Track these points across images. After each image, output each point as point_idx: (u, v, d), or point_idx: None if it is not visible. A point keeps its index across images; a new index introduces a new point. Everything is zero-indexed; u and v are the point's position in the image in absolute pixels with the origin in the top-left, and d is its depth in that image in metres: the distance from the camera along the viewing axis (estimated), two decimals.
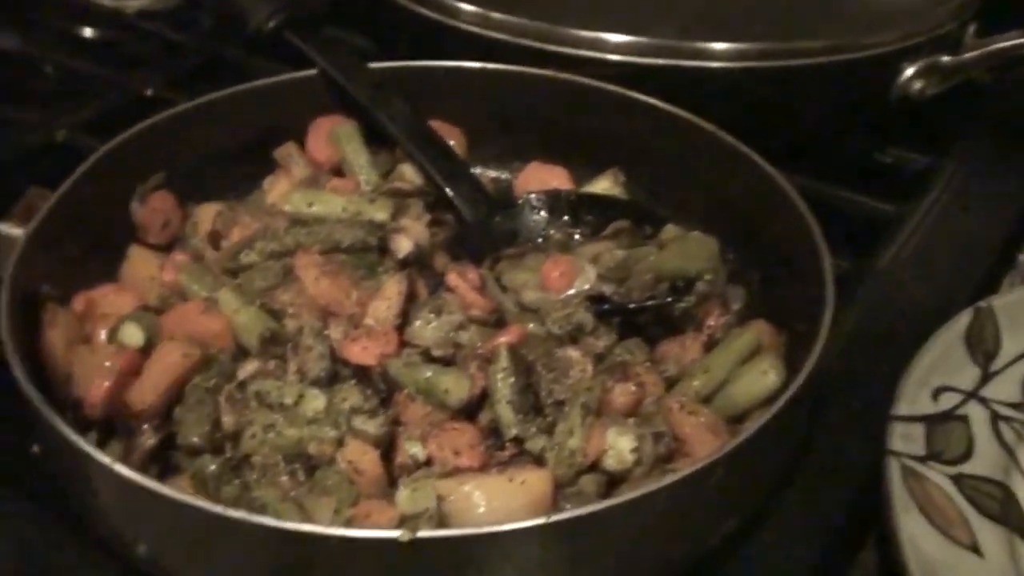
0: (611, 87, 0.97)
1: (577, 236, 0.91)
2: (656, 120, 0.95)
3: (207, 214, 0.91)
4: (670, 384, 0.78)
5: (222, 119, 0.96)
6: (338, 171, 0.97)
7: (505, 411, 0.72)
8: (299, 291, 0.82)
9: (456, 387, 0.73)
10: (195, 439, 0.73)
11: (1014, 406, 0.78)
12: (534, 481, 0.67)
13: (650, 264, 0.84)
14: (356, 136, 0.97)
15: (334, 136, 0.97)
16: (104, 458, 0.63)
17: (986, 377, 0.79)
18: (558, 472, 0.69)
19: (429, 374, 0.74)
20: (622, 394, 0.73)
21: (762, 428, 0.65)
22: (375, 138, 0.97)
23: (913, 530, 0.67)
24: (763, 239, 0.89)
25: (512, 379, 0.73)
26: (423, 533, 0.58)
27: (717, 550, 0.70)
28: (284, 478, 0.72)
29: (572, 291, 0.82)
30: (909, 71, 1.07)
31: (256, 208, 0.93)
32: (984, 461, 0.74)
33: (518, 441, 0.72)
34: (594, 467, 0.71)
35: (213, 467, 0.73)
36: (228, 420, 0.74)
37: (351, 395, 0.74)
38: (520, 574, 0.61)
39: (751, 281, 0.90)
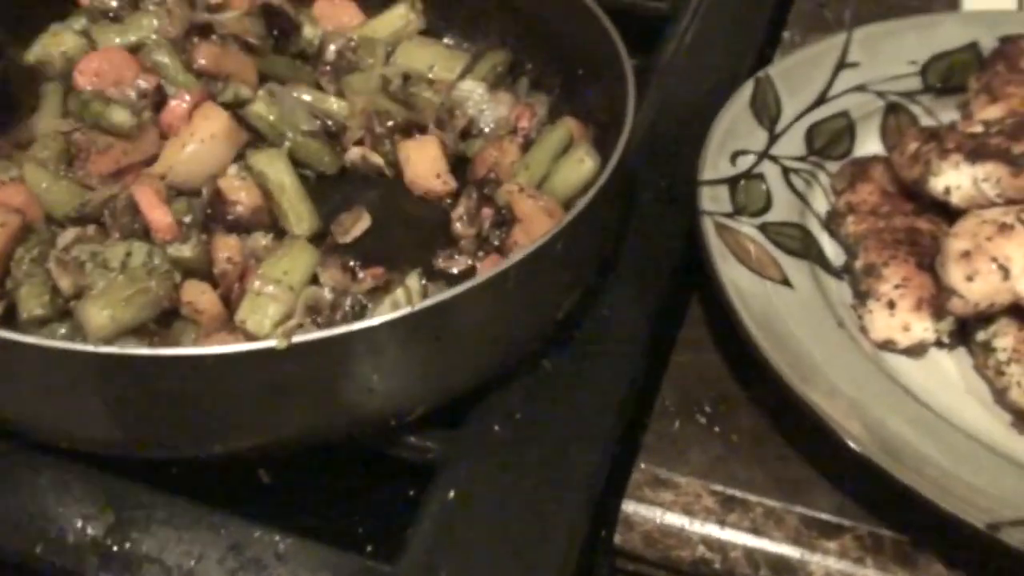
0: None
1: None
2: None
3: None
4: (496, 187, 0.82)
5: None
6: None
7: None
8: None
9: None
10: (38, 310, 0.72)
11: (800, 159, 0.87)
12: None
13: None
14: None
15: None
16: None
17: (773, 138, 0.87)
18: None
19: None
20: None
21: (592, 201, 0.70)
22: None
23: (732, 274, 0.75)
24: (559, 46, 0.94)
25: None
26: (298, 338, 0.61)
27: (563, 323, 0.76)
28: None
29: None
30: None
31: None
32: (782, 209, 0.82)
33: None
34: None
35: (63, 331, 0.72)
36: (65, 283, 0.73)
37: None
38: (389, 361, 0.65)
39: (552, 86, 0.95)
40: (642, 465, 0.73)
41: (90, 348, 0.62)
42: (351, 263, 0.74)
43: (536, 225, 0.76)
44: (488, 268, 0.74)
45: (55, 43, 0.89)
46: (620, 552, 0.72)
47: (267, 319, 0.71)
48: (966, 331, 0.75)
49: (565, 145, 0.84)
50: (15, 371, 0.64)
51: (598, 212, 0.72)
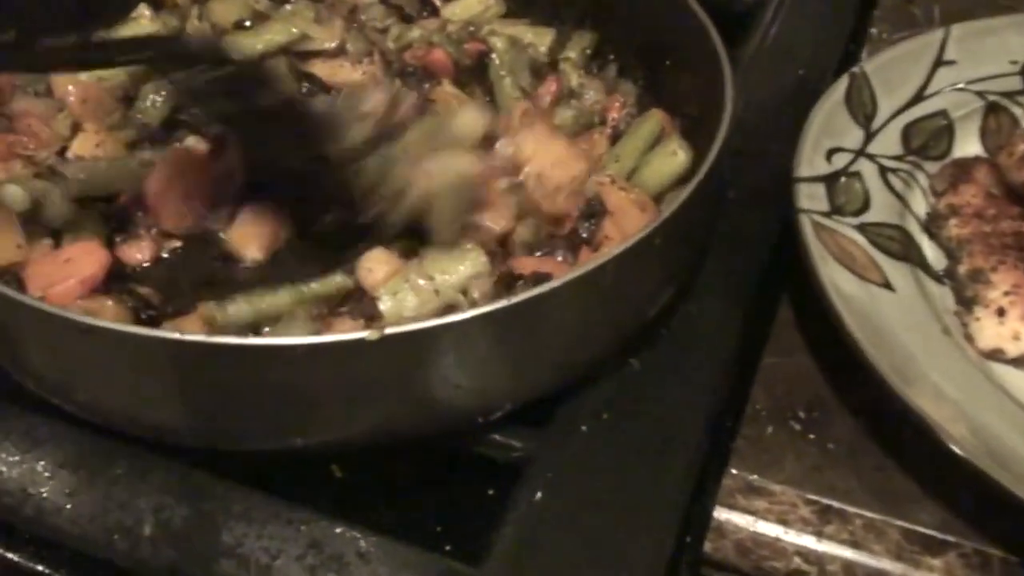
0: None
1: None
2: None
3: None
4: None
5: None
6: None
7: None
8: None
9: None
10: None
11: (897, 158, 0.84)
12: None
13: None
14: None
15: None
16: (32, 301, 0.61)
17: (869, 136, 0.84)
18: None
19: None
20: None
21: (692, 194, 0.67)
22: None
23: (832, 276, 0.72)
24: (644, 35, 0.91)
25: None
26: (390, 330, 0.59)
27: (654, 321, 0.73)
28: None
29: None
30: None
31: None
32: (881, 210, 0.79)
33: None
34: None
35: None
36: None
37: None
38: (479, 356, 0.63)
39: (637, 77, 0.92)
40: (733, 471, 0.70)
41: (173, 335, 0.60)
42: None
43: (627, 218, 0.73)
44: (581, 262, 0.72)
45: None
46: (709, 561, 0.69)
47: (400, 307, 0.69)
48: None
49: (655, 137, 0.81)
50: (95, 357, 0.63)
51: (697, 207, 0.69)
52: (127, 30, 0.87)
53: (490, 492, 0.72)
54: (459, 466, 0.73)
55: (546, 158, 0.77)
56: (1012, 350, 0.71)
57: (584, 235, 0.76)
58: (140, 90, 0.85)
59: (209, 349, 0.59)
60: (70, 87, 0.81)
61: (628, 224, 0.72)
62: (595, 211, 0.75)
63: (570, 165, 0.77)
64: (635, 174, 0.79)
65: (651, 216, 0.73)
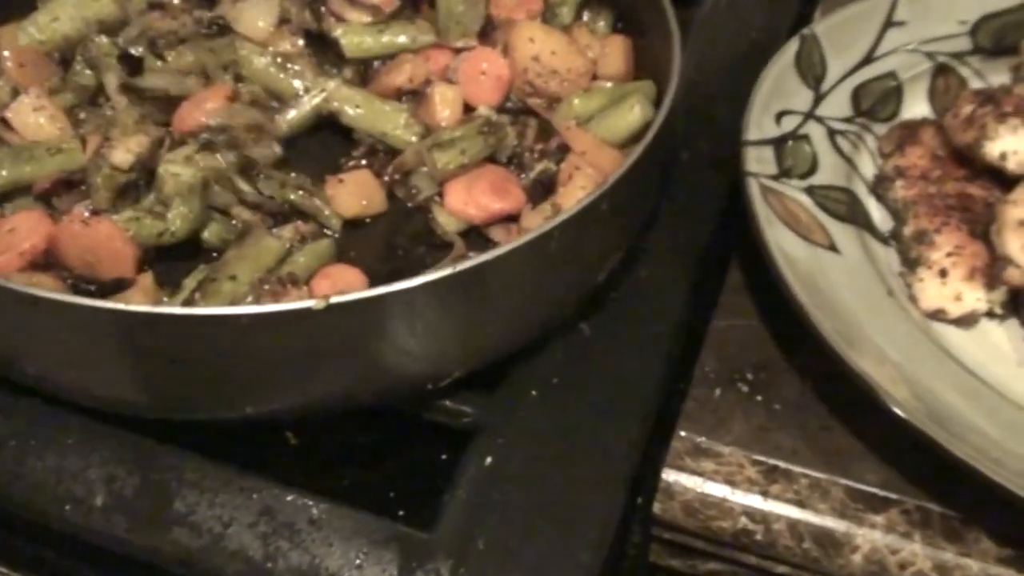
0: None
1: None
2: None
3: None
4: None
5: None
6: None
7: None
8: None
9: None
10: None
11: (846, 120, 0.84)
12: None
13: None
14: None
15: None
16: None
17: (819, 98, 0.85)
18: None
19: None
20: None
21: (639, 159, 0.67)
22: None
23: (778, 238, 0.72)
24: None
25: None
26: (336, 299, 0.59)
27: (602, 286, 0.74)
28: None
29: None
30: None
31: None
32: (828, 172, 0.80)
33: None
34: None
35: None
36: None
37: None
38: (427, 324, 0.63)
39: None
40: (682, 433, 0.71)
41: (119, 306, 0.60)
42: None
43: (601, 155, 0.76)
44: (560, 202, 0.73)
45: None
46: (658, 521, 0.70)
47: None
48: (1019, 302, 0.73)
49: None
50: (42, 329, 0.62)
51: (644, 171, 0.69)
52: None
53: (443, 458, 0.72)
54: (411, 433, 0.74)
55: (544, 46, 0.80)
56: (954, 310, 0.72)
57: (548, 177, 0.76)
58: (76, 52, 0.83)
59: (154, 319, 0.59)
60: (6, 52, 0.80)
61: (603, 161, 0.75)
62: (557, 154, 0.75)
63: (568, 57, 0.81)
64: (591, 123, 0.79)
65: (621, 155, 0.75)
